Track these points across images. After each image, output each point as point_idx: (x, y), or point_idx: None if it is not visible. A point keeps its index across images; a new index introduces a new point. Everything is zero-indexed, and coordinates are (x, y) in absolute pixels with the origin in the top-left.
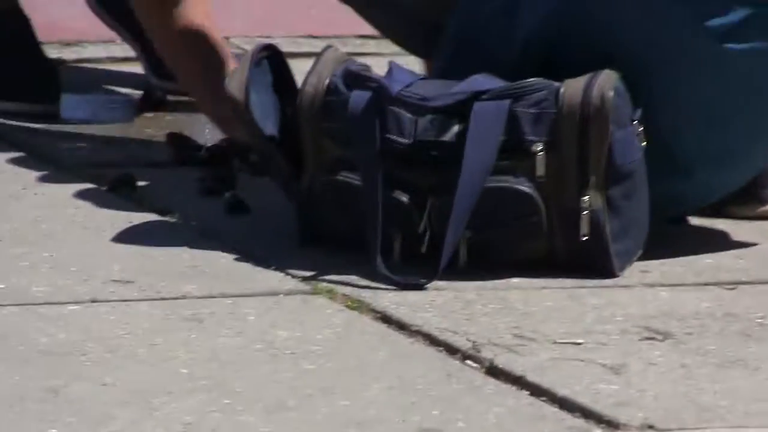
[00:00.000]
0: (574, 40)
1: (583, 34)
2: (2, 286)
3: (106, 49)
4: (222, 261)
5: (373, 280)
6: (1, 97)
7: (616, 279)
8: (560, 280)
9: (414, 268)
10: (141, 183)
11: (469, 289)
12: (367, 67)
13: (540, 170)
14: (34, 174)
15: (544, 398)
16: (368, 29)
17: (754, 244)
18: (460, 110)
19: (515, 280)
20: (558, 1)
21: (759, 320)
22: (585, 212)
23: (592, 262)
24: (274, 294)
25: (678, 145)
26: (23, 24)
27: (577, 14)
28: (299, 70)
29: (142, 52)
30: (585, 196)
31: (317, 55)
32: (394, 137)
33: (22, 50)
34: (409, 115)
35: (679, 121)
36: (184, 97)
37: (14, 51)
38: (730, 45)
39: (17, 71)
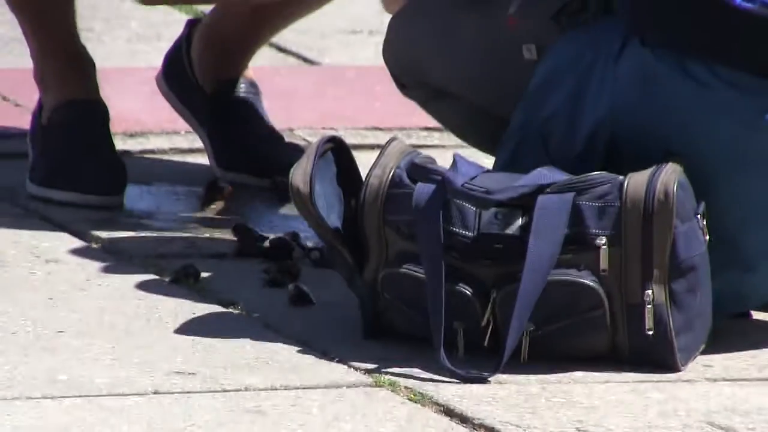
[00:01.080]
0: (636, 134)
1: (644, 129)
2: (65, 377)
3: (170, 140)
4: (285, 353)
5: (436, 372)
6: (67, 188)
7: (679, 373)
8: (623, 374)
9: (477, 361)
10: (204, 274)
11: (532, 382)
12: (431, 160)
13: (604, 264)
14: (98, 265)
15: None
16: (433, 121)
17: None
18: (524, 203)
19: (578, 374)
20: (619, 96)
21: None
22: (648, 306)
23: (656, 357)
24: (337, 386)
25: (742, 240)
26: (97, 114)
27: (637, 109)
28: (364, 162)
29: (207, 138)
30: (648, 290)
31: (382, 147)
32: (457, 230)
33: (93, 140)
34: (473, 209)
35: (742, 216)
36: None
37: (85, 143)
38: None
39: (85, 163)
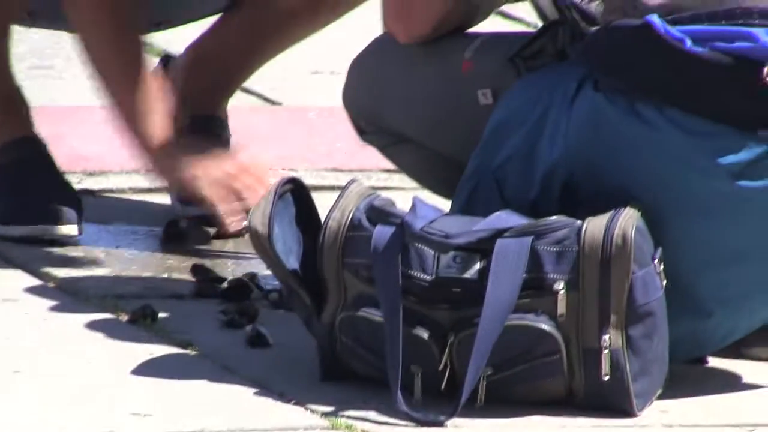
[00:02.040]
0: (591, 176)
1: (598, 172)
2: (19, 418)
3: (129, 179)
4: (242, 395)
5: (392, 416)
6: (23, 223)
7: (635, 419)
8: (579, 419)
9: (433, 405)
10: (162, 315)
11: (488, 426)
12: (391, 202)
13: (561, 308)
14: (54, 304)
15: None
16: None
17: None
18: (482, 248)
19: (535, 418)
20: (573, 139)
21: None
22: (605, 351)
23: (612, 402)
24: (294, 429)
25: (697, 286)
26: (40, 148)
27: (591, 152)
28: (323, 203)
29: None
30: (605, 335)
31: (341, 189)
32: (416, 273)
33: (41, 174)
34: (431, 252)
35: (697, 262)
36: (209, 227)
37: (35, 178)
38: (743, 183)
39: (38, 196)
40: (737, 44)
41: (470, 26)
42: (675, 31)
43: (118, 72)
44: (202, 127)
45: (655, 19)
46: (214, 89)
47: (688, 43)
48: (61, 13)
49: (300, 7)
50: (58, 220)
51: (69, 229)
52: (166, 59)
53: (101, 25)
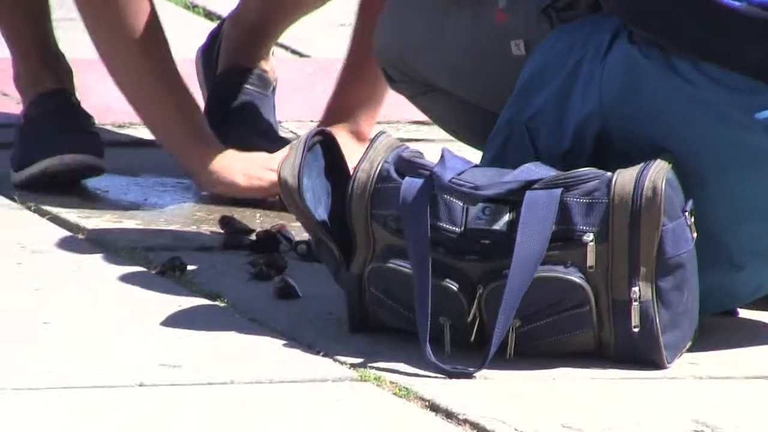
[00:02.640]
0: (624, 129)
1: (631, 125)
2: (50, 369)
3: None
4: (270, 347)
5: (421, 367)
6: (44, 157)
7: (665, 371)
8: (609, 370)
9: (462, 357)
10: (191, 267)
11: (517, 378)
12: (419, 154)
13: (590, 260)
14: (84, 256)
15: None
16: (421, 114)
17: None
18: (511, 199)
19: (564, 370)
20: (606, 92)
21: None
22: (635, 303)
23: (642, 354)
24: (323, 381)
25: (729, 238)
26: (70, 103)
27: (625, 105)
28: (352, 156)
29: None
30: (635, 287)
31: (370, 141)
32: (445, 225)
33: (67, 126)
34: (460, 204)
35: (730, 214)
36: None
37: (59, 122)
38: None
39: (60, 135)
40: None
41: None
42: None
43: (145, 88)
44: (235, 78)
45: None
46: (249, 43)
47: None
48: None
49: None
50: (80, 151)
51: (90, 160)
52: (222, 23)
53: (121, 36)
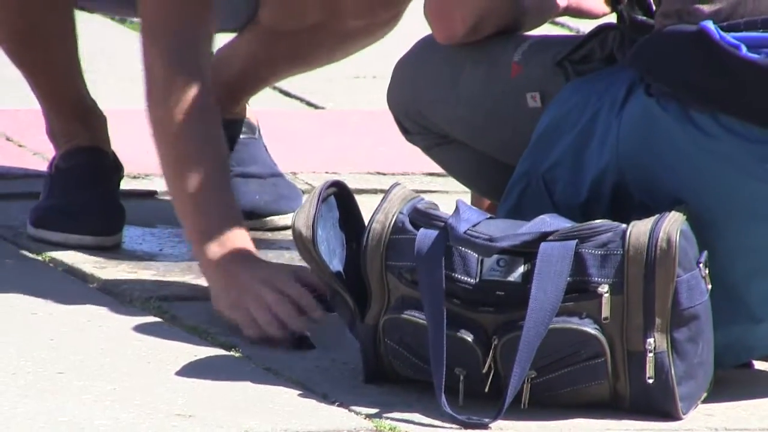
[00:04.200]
0: (642, 181)
1: (649, 176)
2: (65, 419)
3: None
4: (285, 396)
5: (437, 418)
6: (59, 229)
7: (680, 422)
8: (624, 421)
9: (478, 407)
10: (205, 317)
11: (532, 429)
12: (434, 205)
13: (606, 312)
14: (98, 306)
15: None
16: (436, 166)
17: None
18: (526, 251)
19: (578, 421)
20: (624, 143)
21: None
22: (650, 354)
23: (657, 405)
24: (338, 431)
25: (748, 291)
26: (99, 160)
27: (642, 157)
28: (366, 206)
29: None
30: (650, 338)
31: (384, 193)
32: (459, 276)
33: (91, 184)
34: (475, 255)
35: (748, 267)
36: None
37: (83, 186)
38: None
39: (79, 205)
40: None
41: (520, 30)
42: (730, 37)
43: (189, 192)
44: (228, 133)
45: (710, 25)
46: (231, 98)
47: (744, 49)
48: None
49: (306, 40)
50: (94, 232)
51: (103, 241)
52: None
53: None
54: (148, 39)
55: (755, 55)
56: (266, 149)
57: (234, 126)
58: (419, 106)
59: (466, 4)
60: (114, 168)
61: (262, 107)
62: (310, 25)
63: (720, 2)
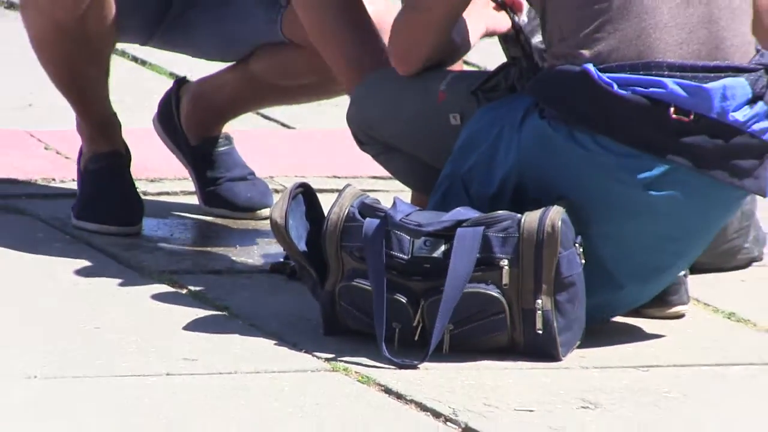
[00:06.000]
0: (536, 182)
1: (541, 179)
2: (100, 361)
3: (181, 184)
4: (265, 345)
5: (378, 361)
6: (94, 221)
7: (560, 362)
8: (519, 362)
9: (409, 353)
10: (203, 286)
11: (451, 368)
12: (377, 201)
13: (505, 279)
14: (125, 278)
15: None
16: (379, 171)
17: (662, 336)
18: (446, 234)
19: (485, 362)
20: (523, 154)
21: (665, 394)
22: (539, 312)
23: (543, 350)
24: (304, 371)
25: (615, 266)
26: (122, 161)
27: (537, 165)
28: (326, 202)
29: (195, 179)
30: (539, 299)
31: (339, 191)
32: (396, 253)
33: (117, 182)
34: (408, 238)
35: (615, 248)
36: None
37: (108, 185)
38: (653, 192)
39: (107, 201)
40: (651, 90)
41: (447, 65)
42: (605, 77)
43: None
44: (210, 144)
45: (590, 67)
46: (204, 120)
47: (615, 87)
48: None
49: (288, 88)
50: (119, 223)
51: (126, 230)
52: (181, 81)
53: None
54: None
55: (624, 92)
56: (238, 153)
57: (217, 140)
58: (371, 123)
59: (421, 48)
60: (127, 161)
61: (246, 127)
62: (298, 84)
63: (598, 49)
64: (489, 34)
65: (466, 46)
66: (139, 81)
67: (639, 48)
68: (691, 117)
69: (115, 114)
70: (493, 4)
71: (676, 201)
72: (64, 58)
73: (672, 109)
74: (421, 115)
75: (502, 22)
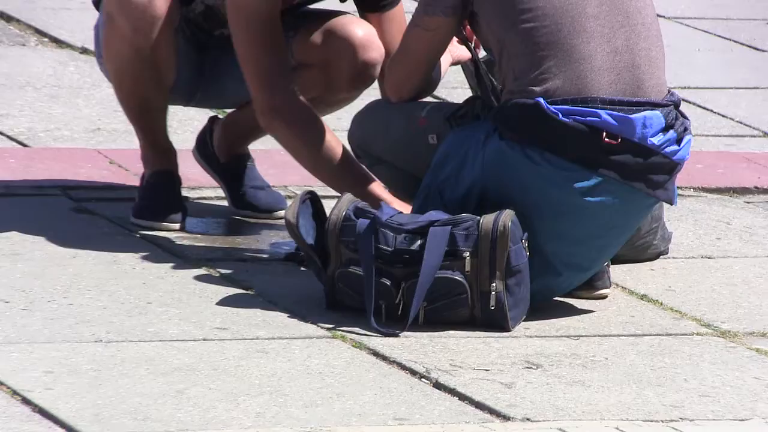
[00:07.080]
0: (496, 191)
1: (500, 189)
2: (152, 329)
3: (215, 191)
4: (281, 317)
5: (368, 330)
6: (148, 219)
7: (510, 332)
8: (477, 332)
9: (393, 324)
10: (232, 269)
11: (425, 337)
12: (367, 205)
13: (468, 267)
14: (171, 264)
15: (467, 402)
16: None
17: (590, 312)
18: (422, 231)
19: (451, 332)
20: (486, 168)
21: (592, 358)
22: (493, 293)
23: (496, 323)
24: (310, 337)
25: (554, 257)
26: (172, 178)
27: (497, 177)
28: (328, 206)
29: (225, 189)
30: (494, 283)
31: (338, 198)
32: (382, 246)
33: (167, 192)
34: (391, 234)
35: (555, 243)
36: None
37: (161, 193)
38: (587, 198)
39: (160, 204)
40: (588, 118)
41: (425, 96)
42: (552, 108)
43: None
44: (237, 161)
45: (541, 100)
46: (233, 143)
47: (561, 116)
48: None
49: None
50: (168, 221)
51: (172, 227)
52: (213, 118)
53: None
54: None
55: (567, 119)
56: (257, 169)
57: (244, 157)
58: (366, 140)
59: (413, 82)
60: (177, 176)
61: (265, 146)
62: (308, 97)
63: (546, 87)
64: (454, 63)
65: (439, 78)
66: (181, 110)
67: (579, 86)
68: (619, 140)
69: (170, 142)
70: (457, 39)
71: (604, 206)
72: (139, 86)
73: (604, 134)
74: (406, 135)
75: (465, 52)
